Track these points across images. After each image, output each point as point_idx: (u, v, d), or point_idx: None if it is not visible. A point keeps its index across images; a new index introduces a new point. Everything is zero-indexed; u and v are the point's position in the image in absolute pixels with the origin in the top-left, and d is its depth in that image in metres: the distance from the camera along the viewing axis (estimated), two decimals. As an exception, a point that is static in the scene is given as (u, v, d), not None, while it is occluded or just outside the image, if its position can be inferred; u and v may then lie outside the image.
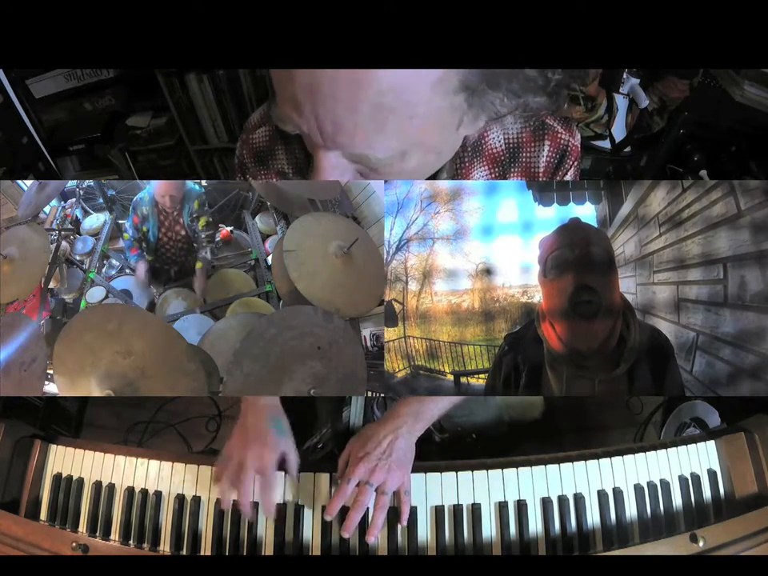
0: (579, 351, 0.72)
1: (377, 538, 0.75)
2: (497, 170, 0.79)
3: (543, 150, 0.79)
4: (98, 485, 0.85)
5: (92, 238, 1.90)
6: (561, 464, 0.81)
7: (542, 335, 0.76)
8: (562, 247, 0.74)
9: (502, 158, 0.79)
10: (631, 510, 0.79)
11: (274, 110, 0.56)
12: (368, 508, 0.76)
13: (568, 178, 0.83)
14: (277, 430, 0.79)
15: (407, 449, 0.79)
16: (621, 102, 1.90)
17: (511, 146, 0.78)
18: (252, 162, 0.87)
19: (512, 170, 0.80)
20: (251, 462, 0.75)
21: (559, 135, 0.78)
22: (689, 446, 0.83)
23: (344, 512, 0.76)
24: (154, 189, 1.71)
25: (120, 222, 2.09)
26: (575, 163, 0.82)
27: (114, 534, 0.82)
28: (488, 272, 5.54)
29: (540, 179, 0.81)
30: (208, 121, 2.23)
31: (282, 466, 0.79)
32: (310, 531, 0.79)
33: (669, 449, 0.82)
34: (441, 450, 0.98)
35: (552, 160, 0.80)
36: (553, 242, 0.76)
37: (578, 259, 0.72)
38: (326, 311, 1.09)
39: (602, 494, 0.79)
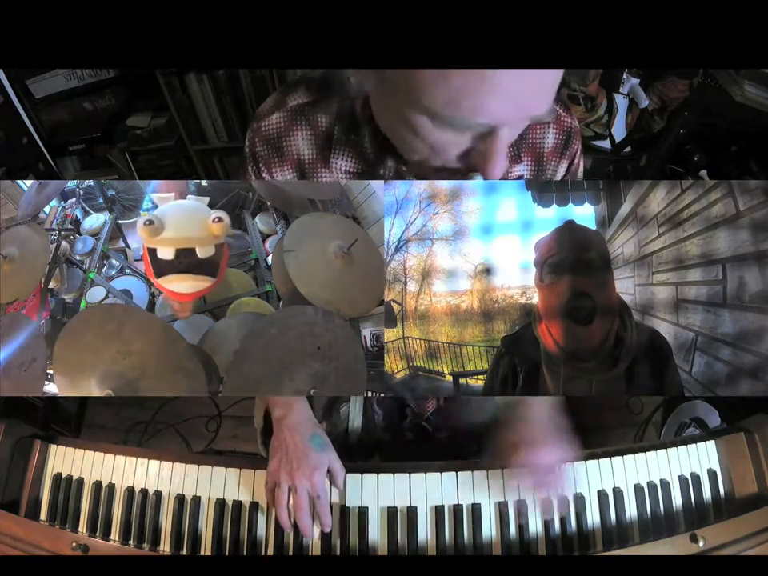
0: (575, 353, 0.72)
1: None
2: (510, 150, 0.80)
3: (548, 133, 0.82)
4: (97, 485, 0.85)
5: (92, 238, 1.90)
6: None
7: (539, 336, 0.76)
8: (558, 252, 0.75)
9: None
10: (631, 510, 0.79)
11: (449, 118, 0.56)
12: None
13: (577, 159, 0.87)
14: (317, 445, 0.79)
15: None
16: (621, 101, 1.90)
17: None
18: (264, 148, 0.85)
19: (521, 152, 0.82)
20: (302, 487, 0.76)
21: (562, 118, 0.82)
22: (689, 446, 0.83)
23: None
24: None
25: (120, 221, 2.09)
26: (579, 145, 0.86)
27: (114, 534, 0.82)
28: (487, 272, 5.55)
29: (548, 160, 0.84)
30: (208, 121, 2.23)
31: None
32: (310, 531, 0.79)
33: (669, 449, 0.82)
34: (441, 449, 0.98)
35: (559, 142, 0.83)
36: (549, 246, 0.76)
37: (573, 264, 0.73)
38: (326, 311, 1.09)
39: (602, 494, 0.79)
